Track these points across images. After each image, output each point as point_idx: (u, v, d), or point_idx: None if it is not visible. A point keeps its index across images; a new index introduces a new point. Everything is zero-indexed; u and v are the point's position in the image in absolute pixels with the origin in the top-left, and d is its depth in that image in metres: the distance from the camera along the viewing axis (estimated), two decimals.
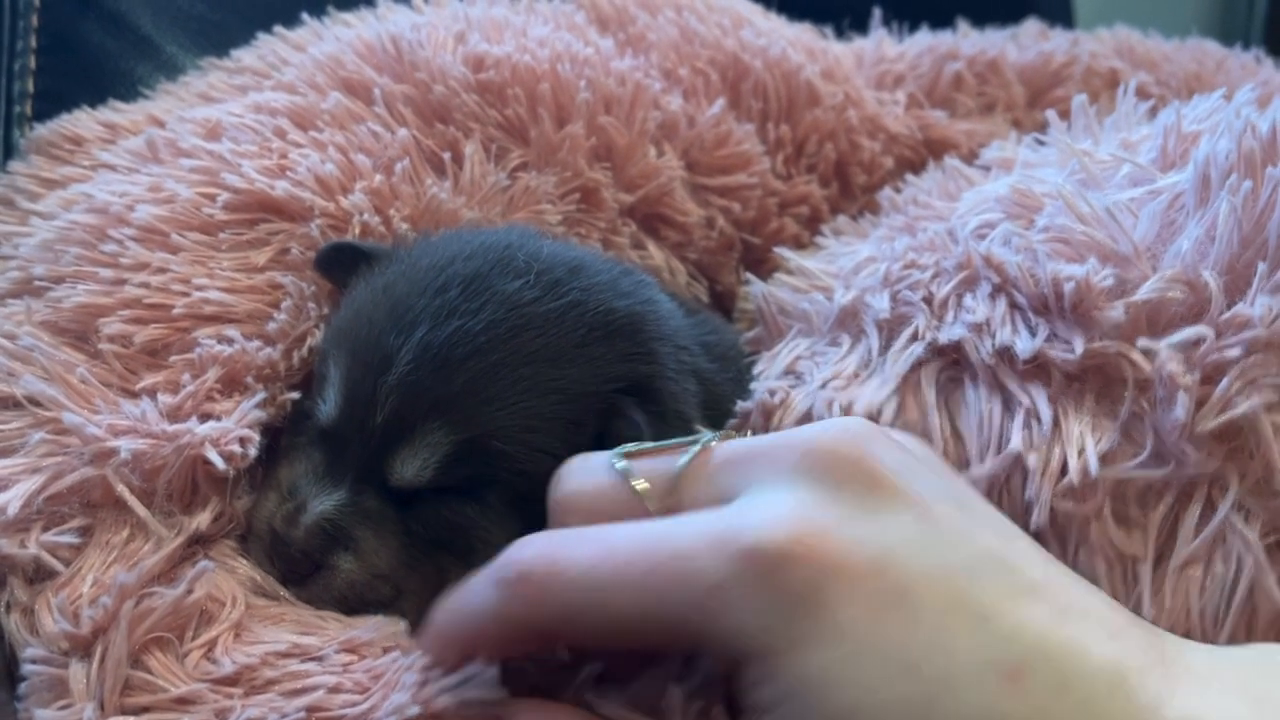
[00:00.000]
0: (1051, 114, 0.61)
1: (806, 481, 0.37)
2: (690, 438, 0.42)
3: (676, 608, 0.36)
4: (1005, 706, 0.35)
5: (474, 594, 0.39)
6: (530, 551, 0.38)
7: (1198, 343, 0.42)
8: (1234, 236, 0.42)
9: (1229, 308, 0.42)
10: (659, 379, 0.52)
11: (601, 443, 0.48)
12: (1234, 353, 0.41)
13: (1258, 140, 0.44)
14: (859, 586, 0.35)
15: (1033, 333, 0.46)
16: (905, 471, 0.38)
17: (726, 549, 0.35)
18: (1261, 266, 0.41)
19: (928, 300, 0.50)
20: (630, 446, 0.42)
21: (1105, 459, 0.43)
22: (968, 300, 0.49)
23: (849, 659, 0.35)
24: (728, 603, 0.35)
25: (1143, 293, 0.43)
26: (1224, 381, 0.40)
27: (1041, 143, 0.63)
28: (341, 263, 0.57)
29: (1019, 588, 0.37)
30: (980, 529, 0.39)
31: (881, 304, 0.52)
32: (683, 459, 0.40)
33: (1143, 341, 0.42)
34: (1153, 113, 0.60)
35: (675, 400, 0.52)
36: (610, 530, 0.38)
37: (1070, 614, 0.37)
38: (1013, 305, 0.48)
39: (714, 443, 0.41)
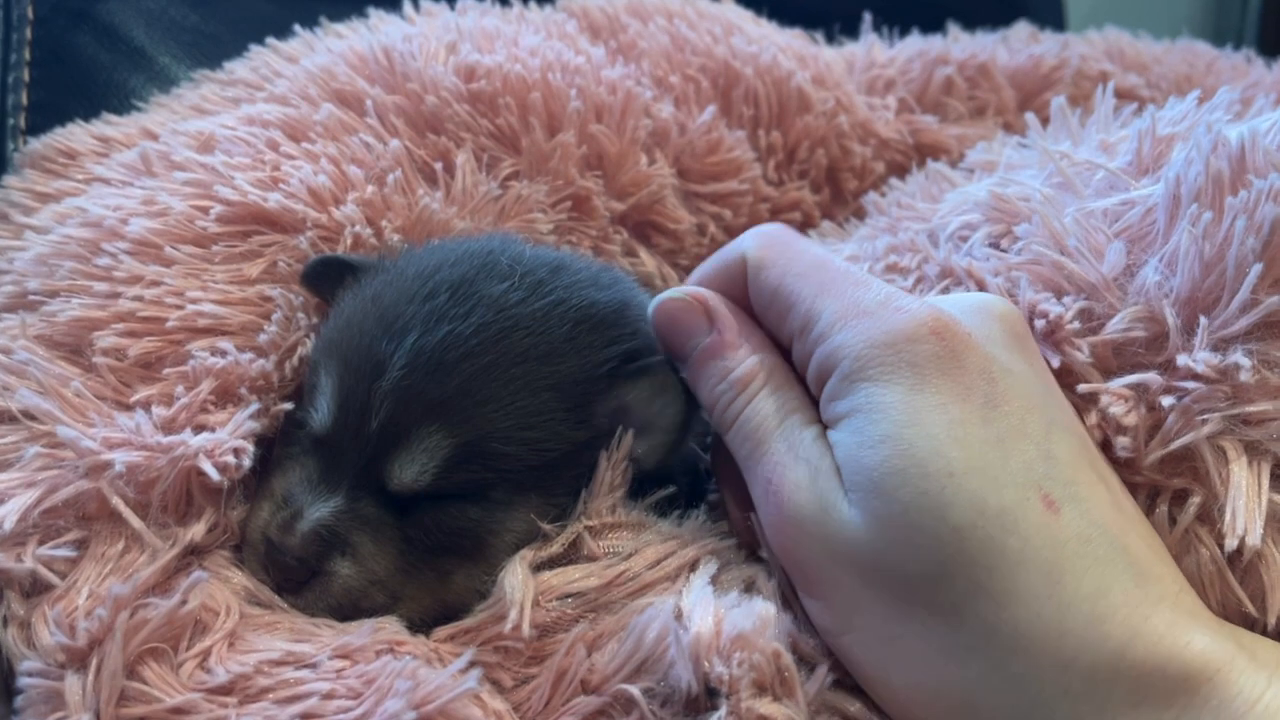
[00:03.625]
0: (1031, 118, 0.62)
1: (975, 311, 0.45)
2: None
3: (830, 306, 0.45)
4: (1034, 519, 0.39)
5: (732, 244, 0.52)
6: (776, 227, 0.52)
7: (1147, 382, 0.44)
8: (1195, 267, 0.44)
9: (1187, 340, 0.43)
10: (646, 351, 0.53)
11: (615, 420, 0.52)
12: (1175, 398, 0.43)
13: (1226, 159, 0.45)
14: (964, 377, 0.42)
15: None
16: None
17: (890, 303, 0.45)
18: (1204, 320, 0.43)
19: None
20: None
21: None
22: None
23: (919, 407, 0.41)
24: (862, 326, 0.44)
25: (1108, 332, 0.45)
26: (1169, 419, 0.42)
27: (1025, 145, 0.63)
28: (329, 276, 0.58)
29: (1093, 463, 0.42)
30: (1079, 423, 0.45)
31: None
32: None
33: (1084, 387, 0.45)
34: (1140, 114, 0.60)
35: (664, 366, 0.53)
36: (830, 254, 0.50)
37: (1121, 506, 0.42)
38: None
39: None
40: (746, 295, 0.51)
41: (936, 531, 0.39)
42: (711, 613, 0.42)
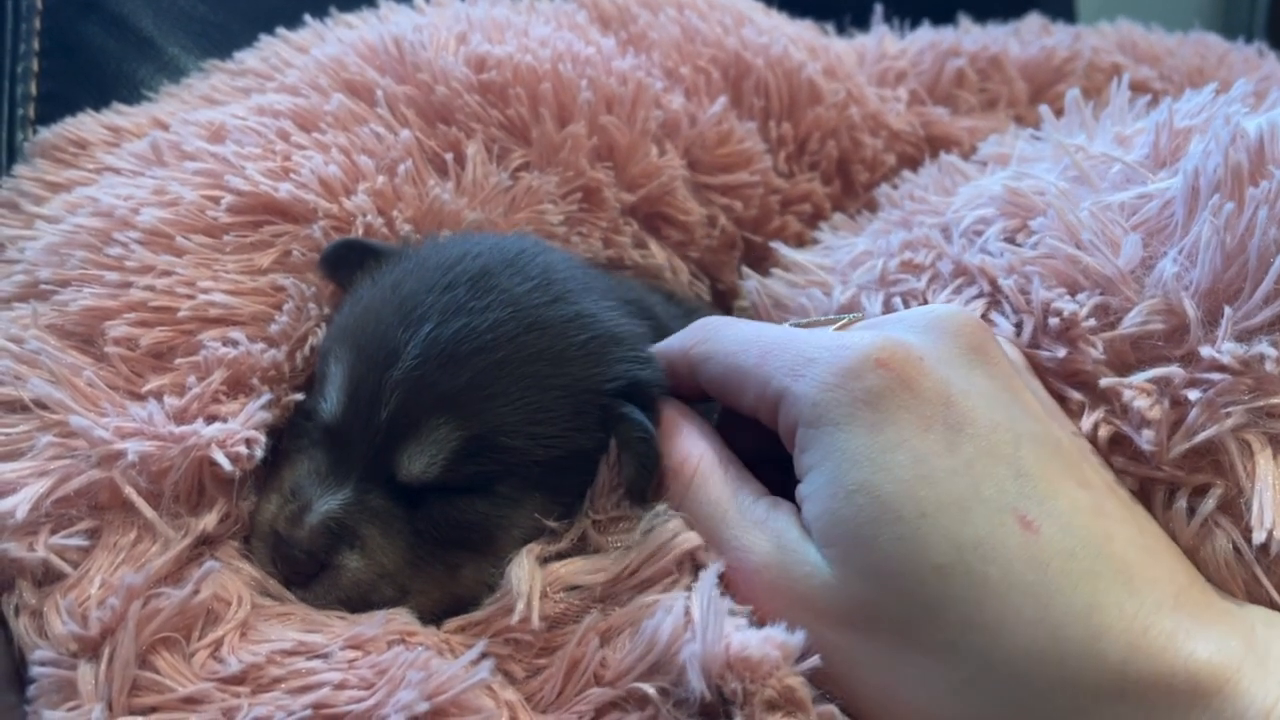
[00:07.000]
0: (1045, 110, 0.61)
1: (922, 329, 0.44)
2: (839, 316, 0.52)
3: (776, 365, 0.45)
4: (1013, 542, 0.38)
5: (673, 339, 0.52)
6: (712, 317, 0.52)
7: (1170, 375, 0.43)
8: (1216, 258, 0.43)
9: (1208, 332, 0.43)
10: (654, 384, 0.52)
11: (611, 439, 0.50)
12: (1200, 391, 0.42)
13: (1245, 151, 0.44)
14: (922, 406, 0.41)
15: (1018, 330, 0.48)
16: (1007, 355, 0.45)
17: (834, 345, 0.44)
18: (1229, 310, 0.42)
19: None
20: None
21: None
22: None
23: (883, 448, 0.41)
24: (812, 373, 0.43)
25: (1125, 326, 0.45)
26: (1193, 412, 0.42)
27: (1038, 138, 0.63)
28: (348, 261, 0.57)
29: (1070, 469, 0.41)
30: (1057, 420, 0.44)
31: (874, 309, 0.52)
32: (831, 329, 0.48)
33: (1105, 381, 0.44)
34: (1154, 107, 0.60)
35: (667, 394, 0.53)
36: (767, 324, 0.50)
37: (1104, 510, 0.40)
38: (1000, 313, 0.49)
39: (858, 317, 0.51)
40: (694, 390, 0.51)
41: (919, 574, 0.39)
42: (723, 625, 0.41)
